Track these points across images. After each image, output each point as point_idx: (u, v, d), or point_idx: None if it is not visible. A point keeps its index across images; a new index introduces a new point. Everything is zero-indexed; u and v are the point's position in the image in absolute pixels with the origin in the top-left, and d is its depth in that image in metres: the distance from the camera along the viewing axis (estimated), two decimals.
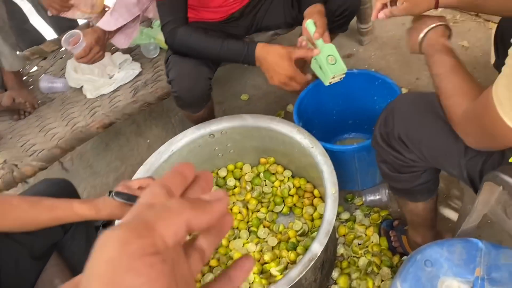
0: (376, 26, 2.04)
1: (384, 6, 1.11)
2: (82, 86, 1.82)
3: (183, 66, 1.39)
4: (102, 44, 1.58)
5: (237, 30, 1.67)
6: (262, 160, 1.61)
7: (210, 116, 1.58)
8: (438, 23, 1.00)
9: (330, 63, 1.30)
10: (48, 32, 2.39)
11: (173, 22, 1.37)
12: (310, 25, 1.31)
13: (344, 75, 1.33)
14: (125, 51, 1.90)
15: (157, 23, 1.95)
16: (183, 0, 1.39)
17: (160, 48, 1.91)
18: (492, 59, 1.63)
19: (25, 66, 1.97)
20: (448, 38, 1.00)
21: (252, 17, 1.67)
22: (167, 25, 1.38)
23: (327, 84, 1.34)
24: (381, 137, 1.03)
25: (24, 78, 1.95)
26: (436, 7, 1.08)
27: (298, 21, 1.63)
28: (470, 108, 0.81)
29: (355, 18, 1.85)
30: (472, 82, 0.88)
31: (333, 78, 1.32)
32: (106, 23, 1.60)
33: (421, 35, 1.01)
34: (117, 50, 1.89)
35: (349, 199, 1.57)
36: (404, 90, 1.84)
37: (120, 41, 1.70)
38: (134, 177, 1.43)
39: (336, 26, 1.57)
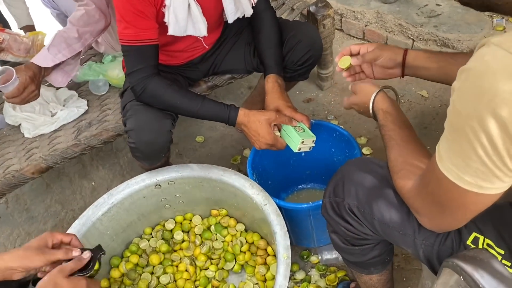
0: (335, 72, 2.00)
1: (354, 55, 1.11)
2: (20, 124, 1.66)
3: (145, 116, 1.28)
4: (38, 83, 1.45)
5: (195, 74, 1.59)
6: (214, 212, 1.50)
7: (165, 165, 1.46)
8: (382, 88, 0.99)
9: (298, 131, 1.24)
10: None
11: (144, 71, 1.25)
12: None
13: (313, 145, 1.27)
14: (72, 86, 1.77)
15: (108, 58, 1.84)
16: (155, 47, 1.28)
17: (110, 85, 1.79)
18: None
19: None
20: (397, 101, 0.99)
21: (211, 62, 1.58)
22: (137, 73, 1.26)
23: (296, 150, 1.27)
24: (331, 206, 0.95)
25: None
26: (403, 64, 1.06)
27: (257, 69, 1.56)
28: (417, 180, 0.76)
29: None
30: (421, 152, 0.83)
31: (302, 144, 1.25)
32: (43, 59, 1.48)
33: (370, 102, 0.98)
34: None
35: (304, 257, 1.48)
36: (363, 139, 1.80)
37: (57, 79, 1.57)
38: (68, 231, 1.29)
39: (298, 74, 1.52)
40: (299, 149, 1.25)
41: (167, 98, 1.27)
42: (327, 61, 1.88)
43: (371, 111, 0.99)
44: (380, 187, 0.87)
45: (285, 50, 1.45)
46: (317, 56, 1.52)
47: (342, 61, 1.13)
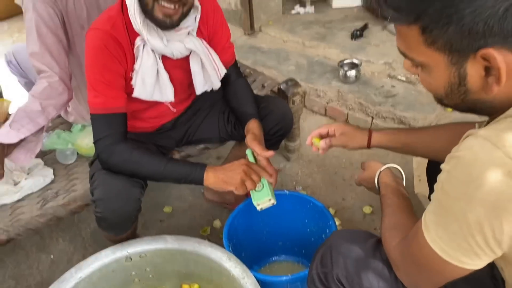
0: (302, 144, 2.09)
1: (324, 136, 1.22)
2: None
3: (112, 185, 1.26)
4: (2, 162, 1.41)
5: (167, 142, 1.60)
6: (185, 286, 1.45)
7: (132, 236, 1.42)
8: (388, 166, 1.10)
9: (257, 190, 1.28)
10: None
11: (111, 137, 1.27)
12: (249, 155, 1.34)
13: (274, 202, 1.30)
14: (37, 155, 1.72)
15: (77, 127, 1.82)
16: (123, 115, 1.30)
17: (78, 154, 1.76)
18: (416, 189, 1.71)
19: None
20: (402, 179, 1.10)
21: (184, 130, 1.62)
22: (104, 140, 1.27)
23: (258, 209, 1.29)
24: (318, 278, 0.96)
25: None
26: (368, 146, 1.19)
27: (232, 137, 1.61)
28: (403, 240, 0.83)
29: None
30: (413, 220, 0.89)
31: (262, 203, 1.28)
32: (5, 136, 1.43)
33: (376, 176, 1.10)
34: None
35: None
36: (331, 211, 1.84)
37: (20, 157, 1.52)
38: None
39: (269, 144, 1.57)
40: (261, 208, 1.29)
41: (133, 160, 1.27)
42: (294, 134, 1.97)
43: (376, 184, 1.10)
44: (368, 257, 0.90)
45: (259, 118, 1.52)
46: (288, 127, 1.60)
47: (315, 143, 1.25)
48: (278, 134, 1.58)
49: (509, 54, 0.62)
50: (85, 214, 1.92)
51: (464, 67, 0.66)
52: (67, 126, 1.87)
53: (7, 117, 1.72)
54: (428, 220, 0.71)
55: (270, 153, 1.32)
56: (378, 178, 1.11)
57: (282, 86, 1.77)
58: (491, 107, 0.68)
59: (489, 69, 0.64)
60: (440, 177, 0.68)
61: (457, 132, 0.82)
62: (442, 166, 0.68)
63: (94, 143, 1.31)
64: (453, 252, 0.67)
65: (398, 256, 0.83)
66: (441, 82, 0.70)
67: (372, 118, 2.20)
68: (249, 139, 1.37)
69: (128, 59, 1.33)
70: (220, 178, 1.26)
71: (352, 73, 2.34)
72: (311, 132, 1.27)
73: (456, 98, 0.71)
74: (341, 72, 2.37)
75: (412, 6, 0.64)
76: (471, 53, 0.63)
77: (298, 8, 3.14)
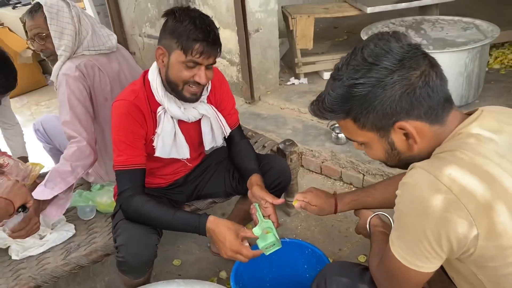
0: None
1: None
2: (8, 246, 1.74)
3: (133, 232, 1.44)
4: (37, 215, 1.59)
5: (179, 197, 1.79)
6: None
7: (146, 281, 1.57)
8: (375, 213, 1.32)
9: (264, 234, 1.44)
10: None
11: (131, 190, 1.46)
12: (257, 209, 1.49)
13: (280, 246, 1.45)
14: None
15: (96, 186, 2.02)
16: (141, 170, 1.51)
17: (97, 211, 1.94)
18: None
19: None
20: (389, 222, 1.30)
21: (194, 186, 1.82)
22: (124, 193, 1.46)
23: (265, 253, 1.44)
24: None
25: None
26: (335, 212, 1.45)
27: (236, 191, 1.80)
28: (380, 259, 1.02)
29: None
30: None
31: (268, 248, 1.43)
32: (41, 193, 1.62)
33: (367, 221, 1.31)
34: None
35: None
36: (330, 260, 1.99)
37: (52, 212, 1.69)
38: None
39: None
40: (267, 251, 1.41)
41: (146, 211, 1.45)
42: (293, 190, 2.16)
43: (368, 229, 1.29)
44: (356, 282, 1.08)
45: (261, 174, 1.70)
46: (287, 181, 1.80)
47: (295, 203, 1.48)
48: (278, 188, 1.77)
49: (415, 122, 0.89)
50: (100, 268, 2.06)
51: (391, 137, 0.94)
52: (87, 186, 2.07)
53: (36, 180, 1.92)
54: (392, 236, 0.92)
55: (280, 200, 1.50)
56: (369, 223, 1.31)
57: (281, 146, 2.00)
58: (420, 158, 0.92)
59: (407, 135, 0.92)
60: (396, 201, 0.90)
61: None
62: (396, 192, 0.90)
63: (118, 195, 1.51)
64: (411, 258, 0.88)
65: (377, 272, 1.02)
66: (380, 151, 0.99)
67: (363, 175, 2.41)
68: (257, 190, 1.54)
69: (148, 124, 1.56)
70: (214, 236, 1.39)
71: (343, 135, 2.59)
72: (307, 188, 1.50)
73: (394, 159, 0.99)
74: (333, 135, 2.62)
75: (342, 108, 0.94)
76: (391, 127, 0.92)
77: (293, 80, 3.48)
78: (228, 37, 3.14)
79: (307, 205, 1.44)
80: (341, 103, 0.93)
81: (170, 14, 1.44)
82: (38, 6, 1.77)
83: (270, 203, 1.48)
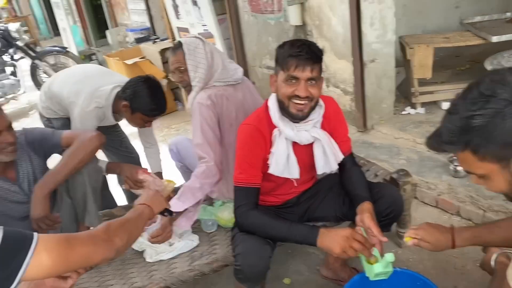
0: None
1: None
2: (144, 250, 2.01)
3: (250, 243, 1.60)
4: (171, 225, 1.83)
5: (291, 217, 1.91)
6: None
7: None
8: (504, 251, 1.29)
9: (371, 261, 1.47)
10: (119, 199, 2.72)
11: (247, 205, 1.64)
12: (363, 234, 1.54)
13: (389, 272, 1.47)
14: None
15: (218, 202, 2.23)
16: (257, 189, 1.67)
17: (218, 225, 2.14)
18: None
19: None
20: None
21: (306, 207, 1.92)
22: (241, 207, 1.64)
23: (372, 278, 1.48)
24: None
25: None
26: (453, 247, 1.39)
27: (347, 217, 1.86)
28: None
29: None
30: None
31: (376, 274, 1.46)
32: (174, 205, 1.87)
33: (493, 258, 1.30)
34: None
35: None
36: None
37: (181, 223, 1.94)
38: None
39: (381, 226, 1.78)
40: (374, 278, 1.44)
41: (263, 223, 1.60)
42: (406, 221, 2.13)
43: (492, 266, 1.28)
44: None
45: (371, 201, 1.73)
46: (398, 212, 1.80)
47: (407, 241, 1.47)
48: (389, 217, 1.78)
49: None
50: (217, 279, 2.25)
51: None
52: (210, 201, 2.29)
53: (170, 195, 2.20)
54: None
55: (384, 239, 1.54)
56: (494, 260, 1.28)
57: (394, 175, 2.01)
58: None
59: None
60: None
61: None
62: None
63: (235, 209, 1.69)
64: None
65: None
66: (502, 183, 0.97)
67: (484, 211, 2.28)
68: (366, 218, 1.59)
69: (267, 146, 1.72)
70: (325, 243, 1.49)
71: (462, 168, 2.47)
72: (420, 223, 1.49)
73: None
74: (452, 167, 2.52)
75: (460, 140, 0.94)
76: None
77: (408, 109, 3.42)
78: (343, 68, 3.23)
79: (420, 241, 1.43)
80: (459, 135, 0.94)
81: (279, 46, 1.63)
82: (179, 44, 2.07)
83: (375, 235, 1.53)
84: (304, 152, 1.76)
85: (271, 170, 1.72)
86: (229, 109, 2.07)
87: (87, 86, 2.26)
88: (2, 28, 5.82)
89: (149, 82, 2.23)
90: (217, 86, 2.07)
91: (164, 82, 4.67)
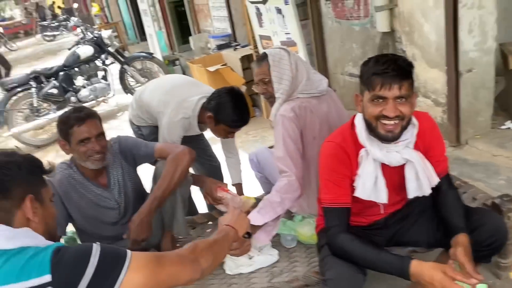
0: None
1: None
2: (224, 261, 2.00)
3: (341, 269, 1.52)
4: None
5: (378, 239, 1.79)
6: None
7: None
8: None
9: None
10: (200, 206, 2.76)
11: (338, 227, 1.56)
12: (456, 267, 1.40)
13: None
14: None
15: (298, 217, 2.16)
16: (347, 209, 1.59)
17: (298, 241, 2.07)
18: None
19: (188, 233, 2.24)
20: None
21: (395, 230, 1.79)
22: (331, 229, 1.57)
23: None
24: None
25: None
26: None
27: (440, 243, 1.70)
28: None
29: None
30: None
31: None
32: (254, 219, 1.84)
33: None
34: None
35: None
36: None
37: (260, 237, 1.90)
38: None
39: (480, 256, 1.61)
40: None
41: (352, 248, 1.51)
42: (508, 251, 1.91)
43: None
44: None
45: (469, 230, 1.57)
46: (501, 242, 1.62)
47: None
48: (491, 248, 1.60)
49: None
50: None
51: None
52: (289, 216, 2.24)
53: (248, 210, 2.19)
54: None
55: (480, 277, 1.37)
56: None
57: (497, 201, 1.81)
58: None
59: None
60: None
61: None
62: None
63: (325, 231, 1.61)
64: None
65: None
66: None
67: None
68: (460, 254, 1.44)
69: (353, 165, 1.62)
70: (419, 277, 1.36)
71: None
72: None
73: None
74: None
75: None
76: None
77: (509, 124, 3.10)
78: (436, 77, 3.01)
79: None
80: None
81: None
82: (264, 56, 2.04)
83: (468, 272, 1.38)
84: (394, 173, 1.64)
85: (357, 193, 1.62)
86: (312, 121, 2.00)
87: (175, 97, 2.32)
88: (96, 35, 6.25)
89: (233, 94, 2.23)
90: (301, 98, 2.01)
91: (243, 89, 4.72)
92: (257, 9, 3.60)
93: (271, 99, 2.09)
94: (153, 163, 2.14)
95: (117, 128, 5.62)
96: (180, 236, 2.13)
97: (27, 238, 1.01)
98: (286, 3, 3.07)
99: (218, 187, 2.24)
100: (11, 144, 5.88)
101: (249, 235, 1.61)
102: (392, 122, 1.48)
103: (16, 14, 30.19)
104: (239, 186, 2.55)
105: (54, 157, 5.02)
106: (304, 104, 1.99)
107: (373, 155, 1.58)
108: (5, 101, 5.30)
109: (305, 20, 3.97)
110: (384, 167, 1.61)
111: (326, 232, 1.59)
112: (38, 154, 5.20)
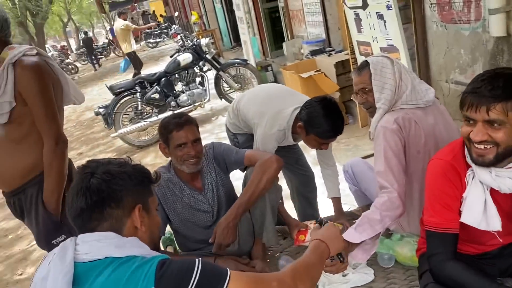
0: None
1: None
2: None
3: None
4: (347, 256, 1.72)
5: (491, 269, 1.61)
6: None
7: None
8: None
9: None
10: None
11: (443, 254, 1.43)
12: None
13: None
14: None
15: (396, 236, 2.04)
16: (455, 235, 1.45)
17: (396, 261, 1.95)
18: None
19: (278, 242, 2.24)
20: None
21: (510, 261, 1.60)
22: (436, 256, 1.44)
23: None
24: None
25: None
26: None
27: None
28: None
29: None
30: None
31: None
32: (351, 235, 1.74)
33: None
34: None
35: None
36: None
37: (357, 255, 1.79)
38: None
39: None
40: None
41: (464, 279, 1.36)
42: None
43: None
44: None
45: None
46: None
47: None
48: None
49: None
50: None
51: None
52: (386, 233, 2.11)
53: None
54: None
55: None
56: None
57: None
58: None
59: None
60: None
61: None
62: None
63: (428, 257, 1.48)
64: None
65: None
66: None
67: None
68: None
69: (463, 187, 1.47)
70: None
71: None
72: None
73: None
74: None
75: None
76: None
77: None
78: None
79: None
80: None
81: None
82: (366, 64, 1.95)
83: None
84: (505, 200, 1.46)
85: (463, 219, 1.46)
86: (417, 134, 1.87)
87: (270, 108, 2.31)
88: (195, 43, 6.55)
89: (325, 103, 2.16)
90: (404, 108, 1.89)
91: (337, 96, 4.61)
92: (356, 14, 3.48)
93: (371, 109, 1.99)
94: (244, 169, 2.17)
95: (211, 132, 5.84)
96: (270, 245, 2.12)
97: (135, 247, 1.06)
98: (388, 8, 2.93)
99: (299, 232, 2.18)
100: (117, 144, 6.41)
101: (342, 258, 1.55)
102: (481, 146, 1.33)
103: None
104: (336, 201, 2.47)
105: (153, 157, 5.36)
106: (409, 116, 1.87)
107: (479, 177, 1.42)
108: (113, 104, 5.77)
109: (407, 24, 3.77)
110: (495, 192, 1.44)
111: (428, 258, 1.46)
112: (140, 154, 5.62)
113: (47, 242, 1.91)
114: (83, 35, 23.90)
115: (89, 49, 19.20)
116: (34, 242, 4.12)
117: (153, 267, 0.98)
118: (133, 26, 10.33)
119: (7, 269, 3.85)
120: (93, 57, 18.79)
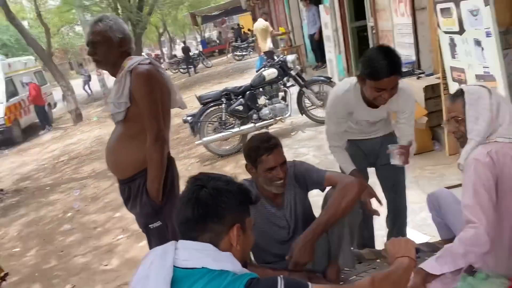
0: None
1: None
2: None
3: None
4: (424, 286, 1.67)
5: None
6: None
7: None
8: None
9: None
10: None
11: None
12: None
13: None
14: None
15: (481, 275, 1.92)
16: None
17: None
18: None
19: (354, 266, 2.22)
20: None
21: None
22: None
23: None
24: None
25: None
26: None
27: None
28: None
29: None
30: None
31: None
32: (431, 266, 1.70)
33: None
34: None
35: None
36: None
37: None
38: None
39: None
40: None
41: None
42: None
43: None
44: None
45: None
46: None
47: None
48: None
49: None
50: None
51: None
52: (470, 270, 2.01)
53: None
54: None
55: None
56: None
57: None
58: None
59: None
60: None
61: None
62: None
63: None
64: None
65: None
66: None
67: None
68: None
69: None
70: None
71: None
72: None
73: None
74: None
75: None
76: None
77: None
78: None
79: None
80: None
81: None
82: (461, 92, 1.90)
83: None
84: None
85: None
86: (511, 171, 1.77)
87: None
88: (282, 59, 6.69)
89: (376, 47, 2.28)
90: (500, 142, 1.81)
91: (423, 120, 4.45)
92: (451, 39, 3.35)
93: (462, 139, 1.93)
94: (322, 190, 2.19)
95: (290, 147, 5.90)
96: (345, 268, 2.12)
97: (229, 263, 1.13)
98: (488, 35, 2.79)
99: None
100: (200, 151, 6.71)
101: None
102: None
103: (213, 35, 34.63)
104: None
105: (233, 167, 5.54)
106: (504, 150, 1.78)
107: None
108: (200, 113, 6.08)
109: (507, 49, 3.55)
110: None
111: None
112: (220, 163, 5.85)
113: (145, 225, 2.17)
114: (183, 44, 25.88)
115: (187, 56, 21.02)
116: (120, 236, 4.50)
117: (242, 284, 1.05)
118: (271, 28, 10.86)
119: (95, 259, 4.20)
120: (189, 64, 20.59)
